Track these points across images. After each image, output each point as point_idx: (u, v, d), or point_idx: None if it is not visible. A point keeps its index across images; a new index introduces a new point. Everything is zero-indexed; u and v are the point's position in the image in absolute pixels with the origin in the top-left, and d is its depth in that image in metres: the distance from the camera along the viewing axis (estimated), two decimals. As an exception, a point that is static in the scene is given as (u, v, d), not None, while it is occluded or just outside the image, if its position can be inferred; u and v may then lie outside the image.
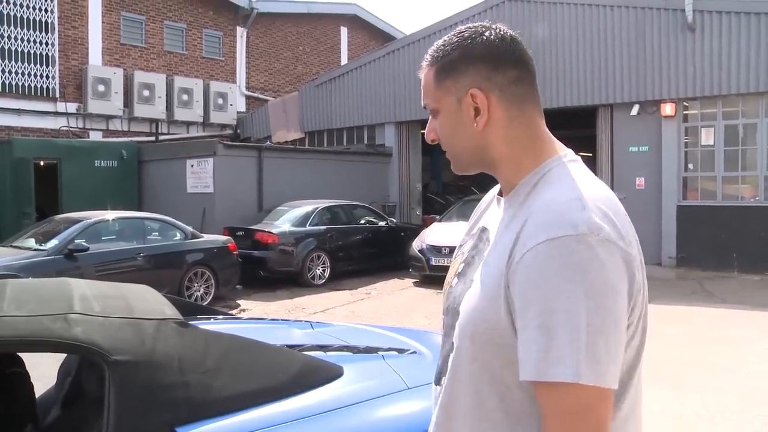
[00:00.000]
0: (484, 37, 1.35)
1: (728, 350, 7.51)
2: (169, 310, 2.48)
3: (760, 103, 13.42)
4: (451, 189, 22.87)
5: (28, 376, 3.08)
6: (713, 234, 13.46)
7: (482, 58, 1.34)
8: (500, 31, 1.36)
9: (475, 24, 1.39)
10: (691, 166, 14.24)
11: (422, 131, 19.79)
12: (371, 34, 26.55)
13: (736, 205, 13.67)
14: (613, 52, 14.64)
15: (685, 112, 14.27)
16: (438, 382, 1.41)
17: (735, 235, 13.30)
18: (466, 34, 1.37)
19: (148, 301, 2.59)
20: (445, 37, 1.40)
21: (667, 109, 14.01)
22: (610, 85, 14.69)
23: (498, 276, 1.23)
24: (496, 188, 1.59)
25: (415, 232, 14.22)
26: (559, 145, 1.39)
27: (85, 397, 2.80)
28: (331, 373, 2.49)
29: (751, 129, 13.66)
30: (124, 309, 2.40)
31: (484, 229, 1.44)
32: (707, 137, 13.97)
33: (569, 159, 1.36)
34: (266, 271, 12.44)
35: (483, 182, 18.36)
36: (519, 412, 1.25)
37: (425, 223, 16.13)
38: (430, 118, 1.45)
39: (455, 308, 1.35)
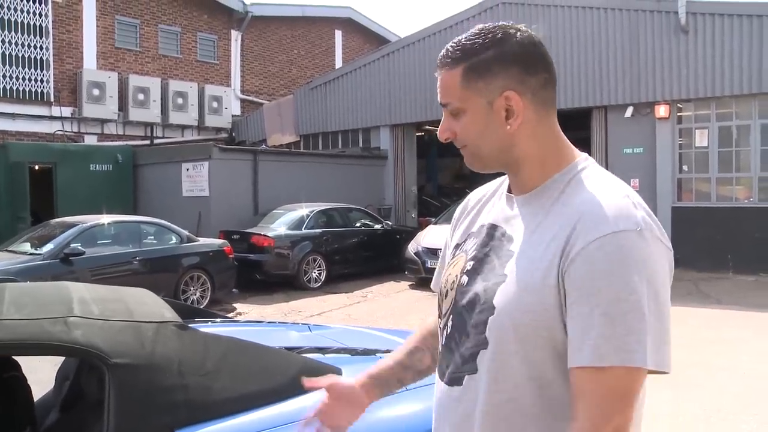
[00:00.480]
0: (517, 39, 1.35)
1: (724, 350, 7.54)
2: (168, 313, 2.49)
3: (752, 105, 13.48)
4: (446, 191, 22.92)
5: (26, 380, 3.08)
6: (708, 235, 13.51)
7: (516, 61, 1.34)
8: (528, 33, 1.38)
9: (501, 23, 1.39)
10: (685, 167, 14.30)
11: (418, 134, 19.86)
12: (366, 37, 26.57)
13: (731, 206, 13.73)
14: (607, 55, 14.70)
15: (679, 114, 14.32)
16: (457, 382, 1.39)
17: (729, 236, 13.34)
18: (499, 35, 1.35)
19: (147, 304, 2.60)
20: (469, 35, 1.38)
21: (661, 110, 14.06)
22: (604, 87, 14.74)
23: (546, 268, 1.26)
24: (482, 188, 1.61)
25: (411, 234, 14.24)
26: (574, 148, 1.43)
27: (84, 400, 2.81)
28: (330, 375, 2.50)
29: (744, 130, 13.72)
30: (123, 312, 2.41)
31: (494, 227, 1.44)
32: (701, 139, 14.03)
33: (593, 162, 1.42)
34: (262, 274, 12.44)
35: (479, 184, 18.35)
36: (556, 407, 1.28)
37: (421, 226, 16.13)
38: (445, 116, 1.42)
39: (484, 303, 1.34)
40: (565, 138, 1.43)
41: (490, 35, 1.36)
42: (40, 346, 2.12)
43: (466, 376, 1.37)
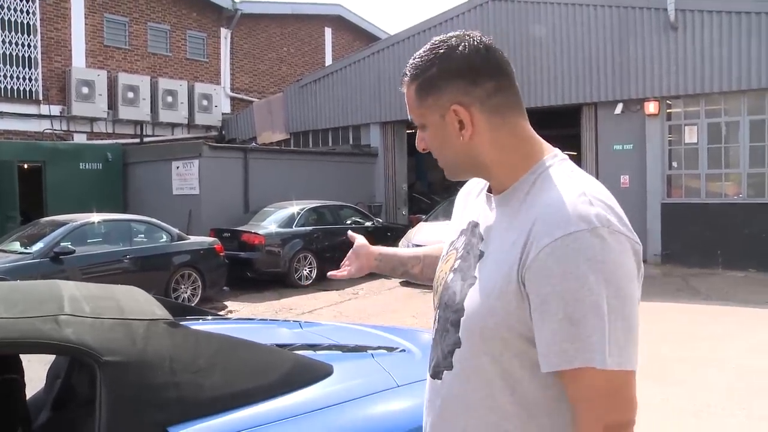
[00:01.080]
0: (459, 51, 1.35)
1: (713, 346, 7.58)
2: (160, 311, 2.49)
3: (741, 101, 13.54)
4: (436, 189, 22.92)
5: (23, 382, 3.07)
6: (697, 231, 13.57)
7: (460, 74, 1.35)
8: (474, 41, 1.37)
9: (449, 36, 1.39)
10: (675, 164, 14.35)
11: (408, 131, 19.87)
12: (355, 34, 26.55)
13: (720, 202, 13.78)
14: (597, 51, 14.73)
15: (668, 111, 14.37)
16: (438, 376, 1.43)
17: (719, 233, 13.41)
18: (442, 50, 1.37)
19: (138, 302, 2.59)
20: (421, 51, 1.41)
21: (651, 107, 14.11)
22: (594, 83, 14.78)
23: (507, 273, 1.27)
24: (477, 179, 1.61)
25: (402, 232, 14.25)
26: (546, 145, 1.43)
27: (76, 399, 2.80)
28: (321, 372, 2.50)
29: (733, 127, 13.78)
30: (114, 310, 2.40)
31: (476, 224, 1.46)
32: (690, 135, 14.08)
33: (560, 158, 1.40)
34: (253, 272, 12.42)
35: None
36: (531, 404, 1.29)
37: (411, 223, 16.16)
38: (419, 129, 1.46)
39: (458, 304, 1.37)
40: (534, 136, 1.42)
41: (434, 51, 1.38)
42: (31, 344, 2.11)
43: (444, 372, 1.41)
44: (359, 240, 2.07)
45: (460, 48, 1.36)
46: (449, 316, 1.40)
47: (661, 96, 14.11)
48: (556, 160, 1.39)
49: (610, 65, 14.58)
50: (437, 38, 1.40)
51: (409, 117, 1.46)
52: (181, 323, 2.45)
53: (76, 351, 2.12)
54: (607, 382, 1.19)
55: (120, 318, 2.31)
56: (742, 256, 13.04)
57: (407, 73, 1.41)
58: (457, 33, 1.40)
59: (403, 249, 2.10)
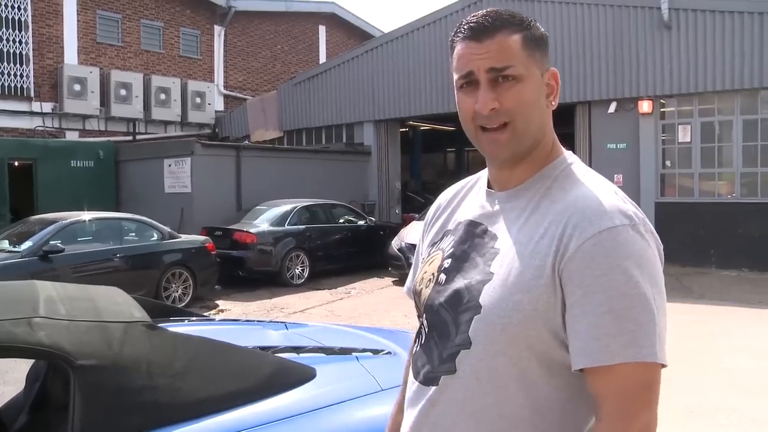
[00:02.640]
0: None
1: (706, 345, 7.56)
2: (138, 313, 2.44)
3: (735, 101, 13.54)
4: (430, 187, 22.89)
5: None
6: (691, 230, 13.57)
7: (548, 44, 1.39)
8: None
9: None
10: (668, 163, 14.35)
11: (402, 129, 19.78)
12: (349, 32, 26.49)
13: (713, 201, 13.79)
14: (591, 50, 14.71)
15: (662, 110, 14.37)
16: (433, 382, 1.34)
17: (712, 232, 13.41)
18: (532, 19, 1.38)
19: (117, 304, 2.54)
20: (503, 11, 1.35)
21: (644, 106, 14.10)
22: (588, 82, 14.75)
23: (539, 266, 1.23)
24: (451, 189, 1.57)
25: (395, 230, 14.20)
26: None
27: (54, 402, 2.75)
28: (304, 375, 2.45)
29: (726, 126, 13.78)
30: (91, 312, 2.35)
31: (473, 223, 1.40)
32: (684, 134, 14.08)
33: (577, 158, 1.41)
34: (245, 271, 12.37)
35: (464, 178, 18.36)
36: (544, 408, 1.25)
37: (404, 222, 16.12)
38: (487, 84, 1.30)
39: (469, 302, 1.29)
40: None
41: (525, 16, 1.37)
42: (2, 348, 2.06)
43: (443, 377, 1.32)
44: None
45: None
46: (454, 317, 1.32)
47: (654, 95, 14.10)
48: (575, 159, 1.39)
49: (604, 64, 14.56)
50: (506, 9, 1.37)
51: (497, 65, 1.29)
52: (159, 326, 2.40)
53: (49, 355, 2.07)
54: (645, 377, 1.18)
55: (96, 320, 2.26)
56: (735, 256, 13.04)
57: (505, 18, 1.33)
58: None
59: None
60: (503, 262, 1.28)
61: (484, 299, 1.27)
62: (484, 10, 1.35)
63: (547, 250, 1.22)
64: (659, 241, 1.26)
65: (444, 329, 1.34)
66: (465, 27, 1.33)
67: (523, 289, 1.23)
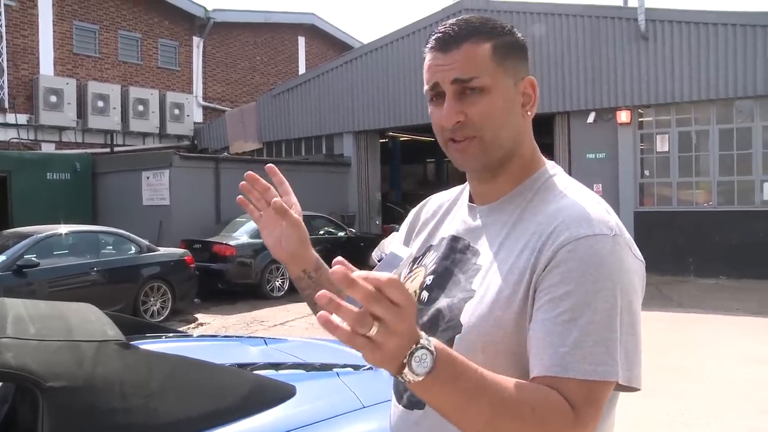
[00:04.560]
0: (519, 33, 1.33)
1: (686, 354, 7.58)
2: (111, 330, 2.36)
3: (711, 111, 13.69)
4: (410, 198, 22.85)
5: None
6: (670, 239, 13.65)
7: (526, 51, 1.33)
8: None
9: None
10: (647, 172, 14.45)
11: (381, 140, 19.76)
12: (329, 43, 26.48)
13: (691, 210, 13.90)
14: (569, 61, 14.80)
15: (640, 120, 14.49)
16: (417, 406, 1.27)
17: (690, 240, 13.51)
18: (508, 24, 1.32)
19: (89, 321, 2.46)
20: (480, 18, 1.30)
21: (623, 116, 14.21)
22: (567, 92, 14.84)
23: (516, 282, 1.17)
24: (437, 198, 1.52)
25: (375, 242, 14.10)
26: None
27: (21, 427, 2.66)
28: (283, 393, 2.39)
29: (703, 135, 13.92)
30: (62, 330, 2.28)
31: (455, 239, 1.35)
32: (662, 144, 14.20)
33: (560, 169, 1.36)
34: (225, 283, 12.25)
35: (444, 189, 18.40)
36: None
37: (385, 233, 16.08)
38: (453, 96, 1.26)
39: (450, 321, 1.23)
40: None
41: (500, 22, 1.31)
42: (-33, 370, 1.98)
43: None
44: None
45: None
46: (436, 337, 1.27)
47: (632, 105, 14.22)
48: (557, 170, 1.34)
49: (583, 74, 14.66)
50: (482, 15, 1.32)
51: (462, 76, 1.24)
52: (133, 344, 2.33)
53: (16, 377, 2.00)
54: (592, 394, 1.08)
55: (67, 339, 2.19)
56: (713, 264, 13.14)
57: (478, 28, 1.27)
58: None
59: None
60: (484, 278, 1.23)
61: (464, 317, 1.22)
62: (455, 19, 1.29)
63: (525, 264, 1.17)
64: (640, 258, 1.20)
65: None
66: (433, 37, 1.29)
67: (502, 305, 1.18)
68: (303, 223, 1.59)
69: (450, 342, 1.22)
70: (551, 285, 1.12)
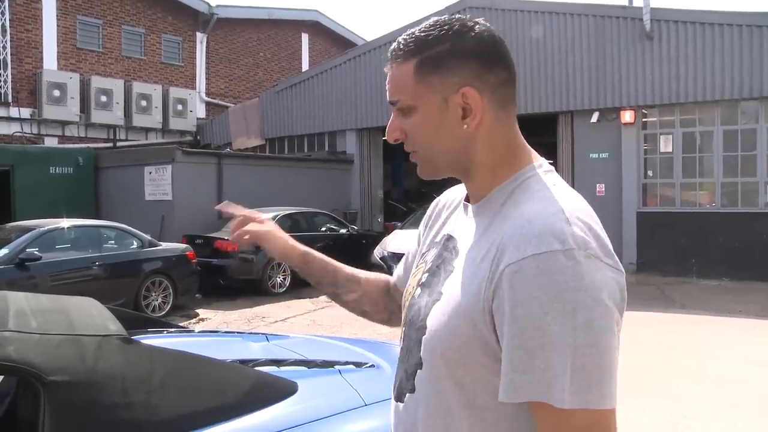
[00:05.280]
0: (474, 33, 1.24)
1: (689, 355, 7.56)
2: (113, 325, 2.35)
3: (715, 112, 13.65)
4: (412, 196, 22.85)
5: None
6: (672, 240, 13.62)
7: (475, 55, 1.23)
8: (487, 28, 1.26)
9: (456, 17, 1.27)
10: (650, 172, 14.42)
11: (384, 138, 19.88)
12: (332, 40, 26.46)
13: (694, 211, 13.86)
14: (573, 60, 14.77)
15: (644, 120, 14.45)
16: (400, 398, 1.31)
17: (693, 241, 13.48)
18: (456, 27, 1.24)
19: (91, 316, 2.45)
20: (423, 26, 1.27)
21: (627, 116, 14.17)
22: (571, 92, 14.81)
23: (476, 290, 1.15)
24: (456, 190, 1.50)
25: (377, 239, 14.12)
26: (534, 154, 1.31)
27: (22, 421, 2.65)
28: (285, 390, 2.38)
29: (707, 136, 13.88)
30: (64, 325, 2.26)
31: (449, 238, 1.34)
32: (666, 144, 14.17)
33: (545, 169, 1.28)
34: (226, 279, 12.24)
35: (446, 188, 18.39)
36: None
37: (387, 231, 16.05)
38: (393, 115, 1.31)
39: (421, 321, 1.25)
40: (524, 144, 1.30)
41: (446, 27, 1.24)
42: (-32, 363, 1.96)
43: (407, 394, 1.29)
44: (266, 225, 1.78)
45: (475, 28, 1.24)
46: (412, 335, 1.28)
47: (636, 105, 14.18)
48: (539, 170, 1.27)
49: (587, 74, 14.63)
50: (439, 17, 1.28)
51: (390, 99, 1.30)
52: (135, 339, 2.32)
53: (18, 371, 1.98)
54: (569, 421, 1.06)
55: (69, 334, 2.17)
56: (716, 265, 13.10)
57: (402, 46, 1.27)
58: (463, 17, 1.28)
59: (343, 265, 1.75)
60: (452, 282, 1.22)
61: (429, 320, 1.22)
62: (408, 31, 1.29)
63: (484, 274, 1.14)
64: (616, 266, 1.13)
65: (408, 345, 1.31)
66: None
67: (460, 313, 1.16)
68: (271, 231, 1.76)
69: (420, 343, 1.24)
70: (502, 307, 1.10)
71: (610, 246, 1.15)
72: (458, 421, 1.19)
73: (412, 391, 1.27)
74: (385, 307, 1.71)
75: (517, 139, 1.30)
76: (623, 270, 1.15)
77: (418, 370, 1.25)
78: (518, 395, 1.07)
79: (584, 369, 1.05)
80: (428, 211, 1.55)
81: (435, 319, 1.21)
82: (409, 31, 1.28)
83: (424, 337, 1.22)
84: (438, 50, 1.23)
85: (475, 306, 1.14)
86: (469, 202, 1.35)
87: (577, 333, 1.05)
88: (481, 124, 1.24)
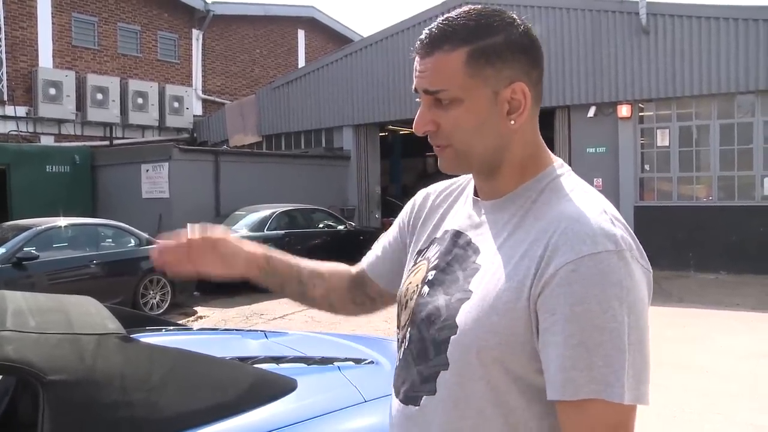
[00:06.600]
0: (520, 24, 1.22)
1: (687, 349, 7.58)
2: (112, 324, 2.34)
3: (712, 105, 13.67)
4: (410, 192, 22.82)
5: None
6: (670, 234, 13.64)
7: (525, 50, 1.21)
8: (525, 22, 1.24)
9: (495, 8, 1.23)
10: (647, 167, 14.44)
11: (381, 134, 19.75)
12: (328, 36, 26.42)
13: (692, 205, 13.90)
14: (570, 55, 14.77)
15: (640, 114, 14.47)
16: (414, 402, 1.26)
17: (691, 235, 13.50)
18: (507, 19, 1.20)
19: (90, 315, 2.44)
20: (467, 15, 1.20)
21: (623, 110, 14.18)
22: (567, 86, 14.81)
23: (517, 287, 1.14)
24: (444, 184, 1.48)
25: (374, 235, 14.00)
26: (551, 153, 1.32)
27: (21, 420, 2.65)
28: (284, 387, 2.38)
29: (704, 130, 13.91)
30: (62, 324, 2.26)
31: (458, 234, 1.32)
32: (662, 138, 14.18)
33: (568, 169, 1.30)
34: (224, 276, 12.22)
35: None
36: None
37: (384, 227, 16.05)
38: (424, 105, 1.24)
39: (446, 321, 1.21)
40: (542, 141, 1.31)
41: (496, 17, 1.20)
42: (-33, 363, 1.96)
43: (424, 397, 1.24)
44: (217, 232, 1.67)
45: (518, 21, 1.22)
46: (432, 335, 1.24)
47: (633, 99, 14.19)
48: (564, 170, 1.28)
49: (583, 68, 14.63)
50: (480, 7, 1.22)
51: (431, 88, 1.20)
52: (134, 337, 2.32)
53: (17, 370, 1.98)
54: (616, 416, 1.10)
55: (68, 333, 2.17)
56: (713, 259, 13.14)
57: (449, 33, 1.19)
58: (501, 9, 1.24)
59: (302, 260, 1.71)
60: (482, 280, 1.20)
61: (460, 319, 1.19)
62: (443, 17, 1.22)
63: (526, 272, 1.14)
64: (649, 269, 1.17)
65: (422, 346, 1.27)
66: (418, 39, 1.25)
67: (500, 311, 1.15)
68: (223, 235, 1.66)
69: (446, 342, 1.21)
70: (556, 305, 1.09)
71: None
72: (489, 422, 1.18)
73: (433, 393, 1.23)
74: (352, 298, 1.70)
75: (539, 136, 1.30)
76: (651, 270, 1.18)
77: (442, 371, 1.21)
78: (578, 392, 1.07)
79: (634, 365, 1.09)
80: (415, 204, 1.52)
81: (468, 317, 1.18)
82: (445, 18, 1.22)
83: (453, 337, 1.19)
84: (492, 41, 1.19)
85: (516, 304, 1.13)
86: (477, 196, 1.33)
87: (630, 331, 1.09)
88: (524, 122, 1.23)
